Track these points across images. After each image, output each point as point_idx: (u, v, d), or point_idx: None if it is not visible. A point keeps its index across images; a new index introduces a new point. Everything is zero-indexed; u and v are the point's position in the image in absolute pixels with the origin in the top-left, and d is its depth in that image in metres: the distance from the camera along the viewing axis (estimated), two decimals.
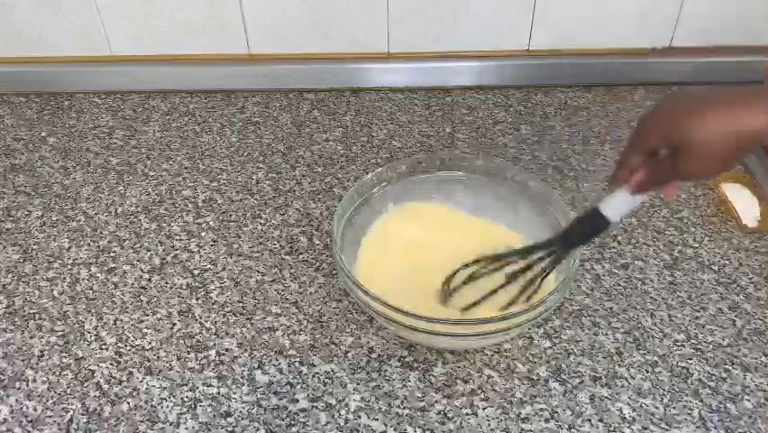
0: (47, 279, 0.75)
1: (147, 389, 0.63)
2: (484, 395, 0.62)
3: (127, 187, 0.88)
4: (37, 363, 0.66)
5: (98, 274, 0.75)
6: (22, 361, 0.66)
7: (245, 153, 0.93)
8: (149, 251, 0.78)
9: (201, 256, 0.77)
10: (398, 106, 1.02)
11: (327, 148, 0.94)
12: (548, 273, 0.63)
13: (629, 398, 0.62)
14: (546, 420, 0.60)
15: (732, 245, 0.78)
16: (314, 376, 0.64)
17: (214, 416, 0.61)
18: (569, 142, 0.94)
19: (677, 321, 0.69)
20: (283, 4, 0.99)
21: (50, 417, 0.61)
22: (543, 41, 1.03)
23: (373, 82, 1.06)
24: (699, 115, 0.49)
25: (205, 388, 0.63)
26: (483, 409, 0.61)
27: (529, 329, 0.68)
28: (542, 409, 0.61)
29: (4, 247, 0.79)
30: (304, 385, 0.63)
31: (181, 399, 0.63)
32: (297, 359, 0.66)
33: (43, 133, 0.98)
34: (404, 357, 0.66)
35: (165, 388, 0.63)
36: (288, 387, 0.63)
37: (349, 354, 0.66)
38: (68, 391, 0.64)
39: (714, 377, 0.64)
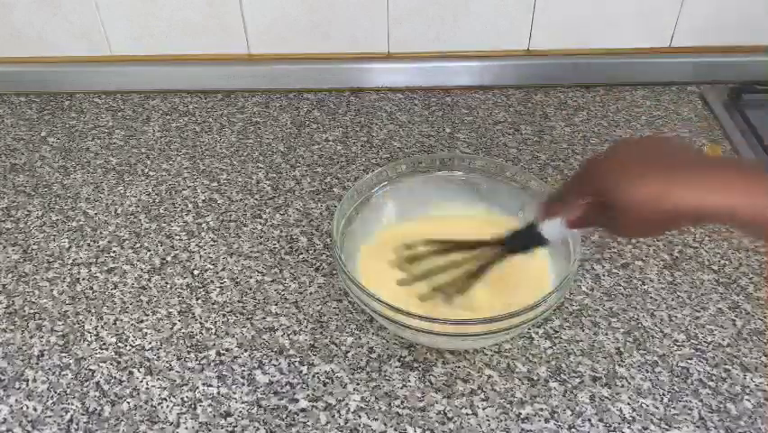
0: (47, 279, 0.75)
1: (147, 389, 0.63)
2: (484, 395, 0.62)
3: (127, 187, 0.88)
4: (37, 363, 0.66)
5: (98, 274, 0.75)
6: (22, 361, 0.66)
7: (245, 153, 0.93)
8: (149, 251, 0.78)
9: (201, 256, 0.77)
10: (398, 106, 1.02)
11: (327, 148, 0.94)
12: (491, 266, 0.63)
13: (629, 398, 0.62)
14: (546, 420, 0.60)
15: (732, 245, 0.78)
16: (314, 376, 0.64)
17: (214, 416, 0.61)
18: (569, 142, 0.94)
19: (677, 321, 0.69)
20: (283, 4, 0.99)
21: (50, 417, 0.61)
22: (543, 41, 1.03)
23: (373, 82, 1.06)
24: (644, 183, 0.46)
25: (205, 388, 0.63)
26: (483, 409, 0.61)
27: (529, 329, 0.68)
28: (542, 409, 0.61)
29: (4, 247, 0.79)
30: (304, 385, 0.63)
31: (181, 399, 0.63)
32: (297, 359, 0.66)
33: (43, 133, 0.98)
34: (404, 357, 0.66)
35: (165, 388, 0.63)
36: (288, 387, 0.63)
37: (349, 354, 0.66)
38: (68, 391, 0.64)
39: (714, 377, 0.64)
